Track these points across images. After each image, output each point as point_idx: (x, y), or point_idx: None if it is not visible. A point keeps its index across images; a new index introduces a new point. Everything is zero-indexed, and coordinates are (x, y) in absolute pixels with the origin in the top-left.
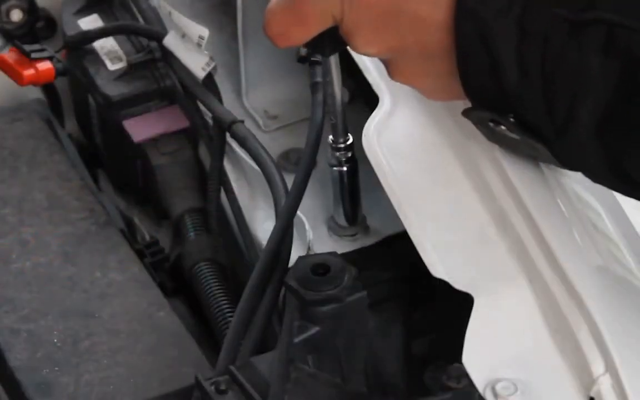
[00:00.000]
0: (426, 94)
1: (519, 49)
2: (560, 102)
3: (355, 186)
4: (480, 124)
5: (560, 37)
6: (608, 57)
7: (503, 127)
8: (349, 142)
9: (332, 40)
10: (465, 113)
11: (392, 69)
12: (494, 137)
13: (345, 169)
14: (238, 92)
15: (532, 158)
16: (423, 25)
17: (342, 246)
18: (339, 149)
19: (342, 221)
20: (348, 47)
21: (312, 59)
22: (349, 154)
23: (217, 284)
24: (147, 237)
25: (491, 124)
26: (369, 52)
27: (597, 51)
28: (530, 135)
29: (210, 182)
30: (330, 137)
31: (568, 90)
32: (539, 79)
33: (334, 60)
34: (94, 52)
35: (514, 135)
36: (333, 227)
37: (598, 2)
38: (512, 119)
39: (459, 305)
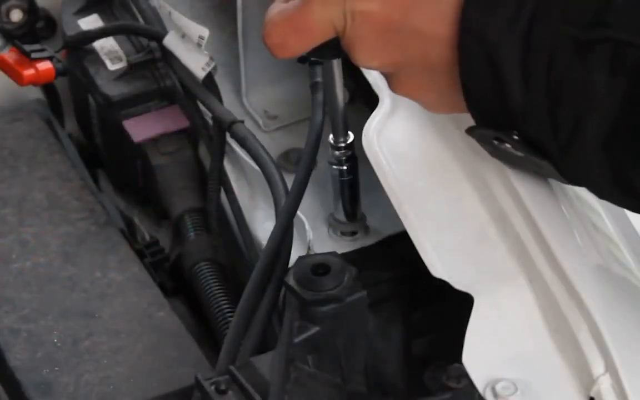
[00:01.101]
0: (427, 107)
1: (523, 66)
2: (565, 119)
3: (355, 185)
4: (483, 141)
5: (566, 55)
6: (614, 75)
7: (507, 145)
8: (349, 141)
9: (333, 50)
10: (469, 131)
11: (393, 82)
12: (497, 154)
13: (345, 167)
14: (238, 92)
15: (535, 174)
16: (426, 41)
17: (342, 246)
18: (339, 148)
19: (342, 218)
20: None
21: (312, 59)
22: (349, 153)
23: (217, 284)
24: (147, 237)
25: (495, 142)
26: (371, 66)
27: (602, 69)
28: (535, 152)
29: (210, 182)
30: (331, 136)
31: (573, 107)
32: (543, 96)
33: (336, 77)
34: (94, 52)
35: (518, 153)
36: (333, 224)
37: (604, 20)
38: (516, 137)
39: (459, 305)
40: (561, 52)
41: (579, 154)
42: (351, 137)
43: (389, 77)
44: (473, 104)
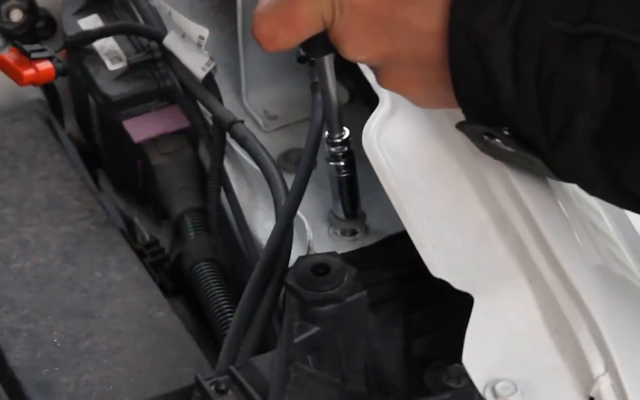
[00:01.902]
0: (416, 102)
1: (513, 60)
2: (555, 115)
3: (354, 181)
4: (474, 137)
5: (555, 50)
6: (604, 71)
7: (497, 140)
8: (344, 137)
9: (322, 44)
10: (459, 126)
11: (381, 76)
12: (488, 149)
13: (342, 163)
14: (238, 92)
15: (528, 170)
16: (415, 34)
17: (342, 246)
18: (335, 144)
19: (341, 215)
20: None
21: (312, 59)
22: (346, 149)
23: (217, 284)
24: (147, 237)
25: (485, 137)
26: (359, 58)
27: (593, 64)
28: (526, 148)
29: (210, 182)
30: (326, 132)
31: (564, 103)
32: (534, 91)
33: (329, 75)
34: (94, 52)
35: (508, 148)
36: (333, 223)
37: (595, 15)
38: (506, 132)
39: (459, 305)
40: (551, 48)
41: (569, 150)
42: (347, 132)
43: (377, 71)
44: (463, 99)
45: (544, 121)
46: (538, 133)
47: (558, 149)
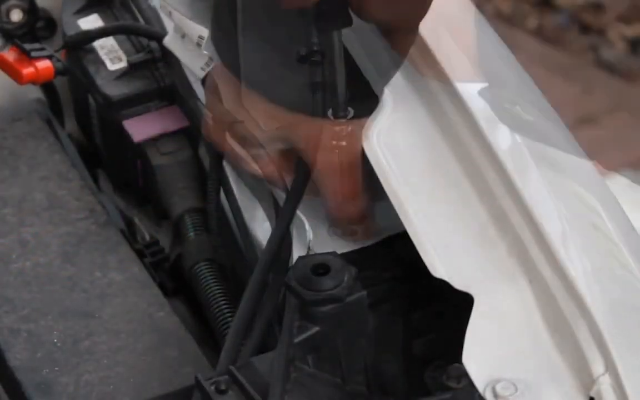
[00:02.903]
0: None
1: None
2: None
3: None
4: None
5: None
6: None
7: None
8: (349, 117)
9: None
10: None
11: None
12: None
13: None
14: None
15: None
16: None
17: (342, 246)
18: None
19: None
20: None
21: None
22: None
23: (217, 284)
24: (147, 237)
25: None
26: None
27: None
28: None
29: (209, 182)
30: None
31: None
32: None
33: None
34: (94, 52)
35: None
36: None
37: None
38: None
39: (459, 305)
40: None
41: None
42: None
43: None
44: None
45: None
46: None
47: None
